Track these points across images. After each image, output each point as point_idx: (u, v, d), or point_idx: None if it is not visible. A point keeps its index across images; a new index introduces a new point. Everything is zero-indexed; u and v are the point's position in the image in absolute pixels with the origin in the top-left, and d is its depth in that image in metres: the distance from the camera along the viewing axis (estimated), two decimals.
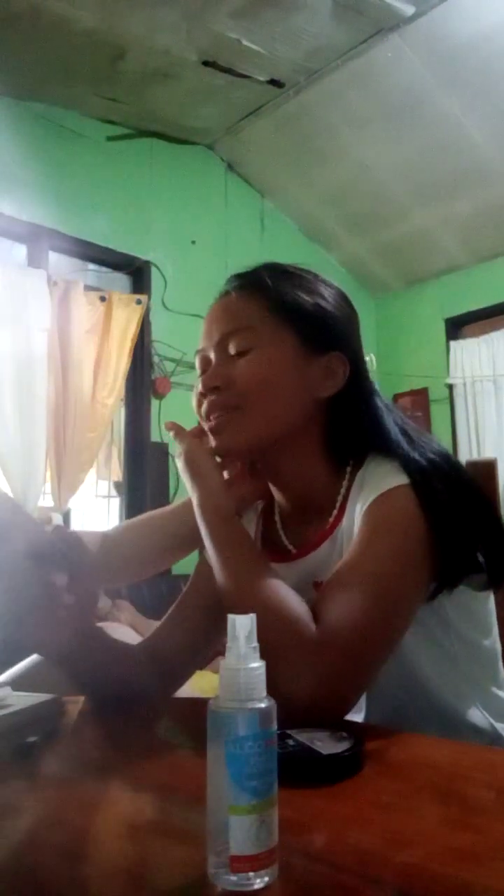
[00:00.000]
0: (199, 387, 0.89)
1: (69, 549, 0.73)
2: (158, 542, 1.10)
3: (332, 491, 0.88)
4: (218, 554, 0.83)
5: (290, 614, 0.72)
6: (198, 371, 0.92)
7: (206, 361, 0.91)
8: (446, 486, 0.79)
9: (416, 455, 0.82)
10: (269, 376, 0.85)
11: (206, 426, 0.89)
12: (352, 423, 0.88)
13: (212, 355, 0.89)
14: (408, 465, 0.80)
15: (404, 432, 0.87)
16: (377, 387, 0.93)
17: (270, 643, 0.62)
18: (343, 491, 0.88)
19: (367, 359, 0.95)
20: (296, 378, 0.86)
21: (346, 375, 0.88)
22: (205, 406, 0.88)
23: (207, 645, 0.96)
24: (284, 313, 0.87)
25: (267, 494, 0.97)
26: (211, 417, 0.88)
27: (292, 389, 0.86)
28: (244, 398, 0.85)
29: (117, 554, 1.09)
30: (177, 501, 1.11)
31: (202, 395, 0.89)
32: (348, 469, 0.88)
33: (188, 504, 1.01)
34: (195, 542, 0.96)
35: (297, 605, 0.73)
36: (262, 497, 0.98)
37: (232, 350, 0.87)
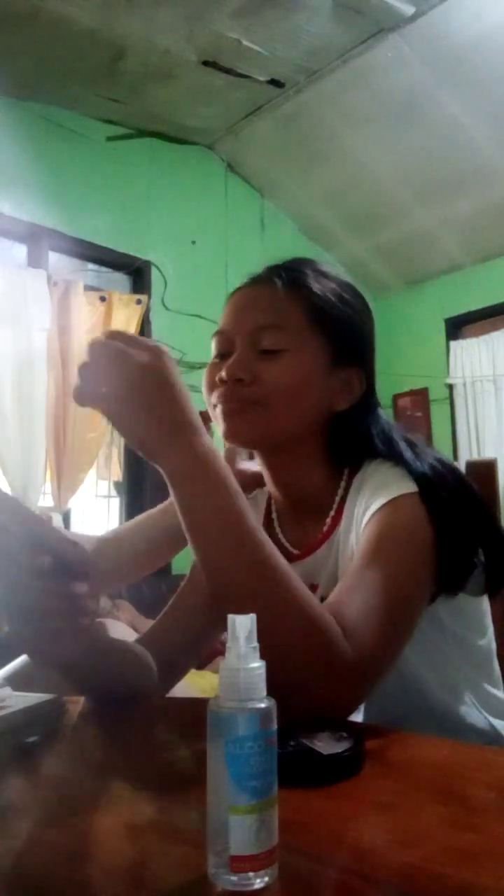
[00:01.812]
0: (221, 373, 0.84)
1: (77, 557, 0.70)
2: (154, 540, 1.10)
3: (329, 493, 0.88)
4: (217, 518, 0.66)
5: (319, 618, 0.65)
6: (213, 351, 0.89)
7: (228, 345, 0.87)
8: (450, 493, 0.79)
9: (419, 463, 0.82)
10: (296, 384, 0.84)
11: (214, 411, 0.86)
12: (355, 432, 0.88)
13: (237, 342, 0.86)
14: (412, 472, 0.80)
15: (408, 441, 0.87)
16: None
17: (295, 647, 0.60)
18: (341, 492, 0.88)
19: None
20: (319, 389, 0.86)
21: (362, 390, 0.88)
22: (220, 394, 0.85)
23: (206, 640, 0.96)
24: (322, 322, 0.86)
25: (262, 481, 0.96)
26: (229, 403, 0.84)
27: (313, 399, 0.86)
28: (267, 399, 0.83)
29: (112, 557, 1.09)
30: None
31: (221, 382, 0.84)
32: (345, 472, 0.89)
33: None
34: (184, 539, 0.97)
35: (319, 605, 0.67)
36: (258, 484, 0.97)
37: (264, 344, 0.84)
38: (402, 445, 0.85)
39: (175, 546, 1.10)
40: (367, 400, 0.90)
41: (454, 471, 0.83)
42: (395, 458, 0.83)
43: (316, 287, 0.87)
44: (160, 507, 1.12)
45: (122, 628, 2.33)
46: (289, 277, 0.87)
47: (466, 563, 0.79)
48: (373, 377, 0.91)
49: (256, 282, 0.90)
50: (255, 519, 0.67)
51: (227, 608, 0.45)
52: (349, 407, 0.88)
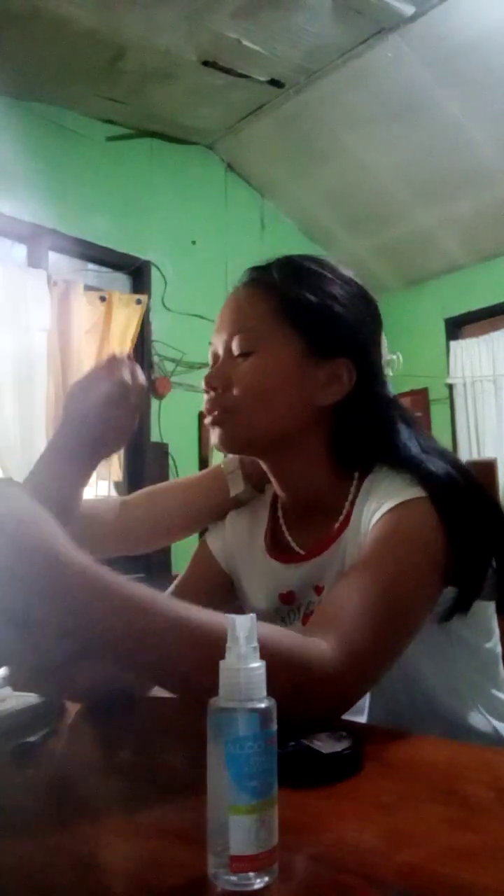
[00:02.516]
0: (203, 382, 0.89)
1: None
2: (178, 511, 1.06)
3: (338, 496, 0.87)
4: (138, 619, 0.56)
5: (285, 650, 0.60)
6: (209, 363, 0.92)
7: (214, 356, 0.90)
8: (463, 499, 0.78)
9: (433, 468, 0.79)
10: (265, 383, 0.84)
11: (206, 420, 0.89)
12: (359, 431, 0.87)
13: (220, 351, 0.89)
14: (425, 478, 0.78)
15: (419, 444, 0.85)
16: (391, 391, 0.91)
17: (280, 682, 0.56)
18: (350, 497, 0.86)
19: (392, 357, 0.93)
20: (295, 385, 0.85)
21: (352, 383, 0.86)
22: (205, 403, 0.88)
23: None
24: (291, 315, 0.85)
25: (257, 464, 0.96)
26: (211, 413, 0.88)
27: (290, 396, 0.85)
28: (239, 402, 0.85)
29: (135, 522, 1.06)
30: (199, 472, 1.09)
31: (205, 392, 0.88)
32: (355, 475, 0.87)
33: (211, 474, 1.01)
34: (215, 513, 0.98)
35: (279, 634, 0.63)
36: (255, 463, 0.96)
37: (235, 350, 0.86)
38: (415, 447, 0.83)
39: (199, 521, 1.06)
40: (369, 392, 0.88)
41: (468, 475, 0.81)
42: (407, 461, 0.81)
43: (281, 282, 0.86)
44: (194, 476, 1.08)
45: None
46: (252, 278, 0.89)
47: (481, 571, 0.78)
48: (373, 368, 0.89)
49: (234, 290, 0.91)
50: (140, 589, 0.57)
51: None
52: (341, 400, 0.86)
